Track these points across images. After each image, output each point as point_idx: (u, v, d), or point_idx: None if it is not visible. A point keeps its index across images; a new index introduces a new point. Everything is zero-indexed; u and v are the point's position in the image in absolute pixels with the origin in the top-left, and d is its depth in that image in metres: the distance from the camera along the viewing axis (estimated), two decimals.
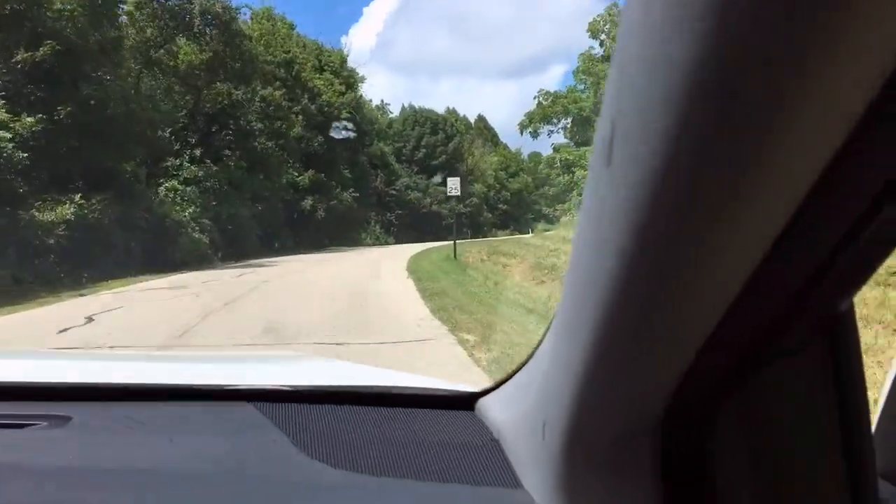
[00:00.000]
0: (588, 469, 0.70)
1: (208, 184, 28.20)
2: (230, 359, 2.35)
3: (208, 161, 28.71)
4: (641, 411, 0.61)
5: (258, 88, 30.75)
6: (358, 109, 47.07)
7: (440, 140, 64.36)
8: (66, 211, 17.70)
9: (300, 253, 30.16)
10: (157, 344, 7.00)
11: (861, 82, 0.33)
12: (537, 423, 0.77)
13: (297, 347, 6.58)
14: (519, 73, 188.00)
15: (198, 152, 28.94)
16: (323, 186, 40.94)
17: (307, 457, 0.98)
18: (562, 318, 0.65)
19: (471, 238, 73.54)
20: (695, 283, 0.47)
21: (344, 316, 9.10)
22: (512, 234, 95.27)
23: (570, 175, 38.70)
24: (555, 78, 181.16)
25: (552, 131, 44.59)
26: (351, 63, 51.45)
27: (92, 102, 19.33)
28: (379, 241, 52.12)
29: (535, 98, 43.75)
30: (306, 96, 38.12)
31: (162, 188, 27.02)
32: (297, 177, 38.57)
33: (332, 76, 43.29)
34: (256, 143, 30.82)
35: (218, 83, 28.84)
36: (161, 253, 21.77)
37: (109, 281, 16.57)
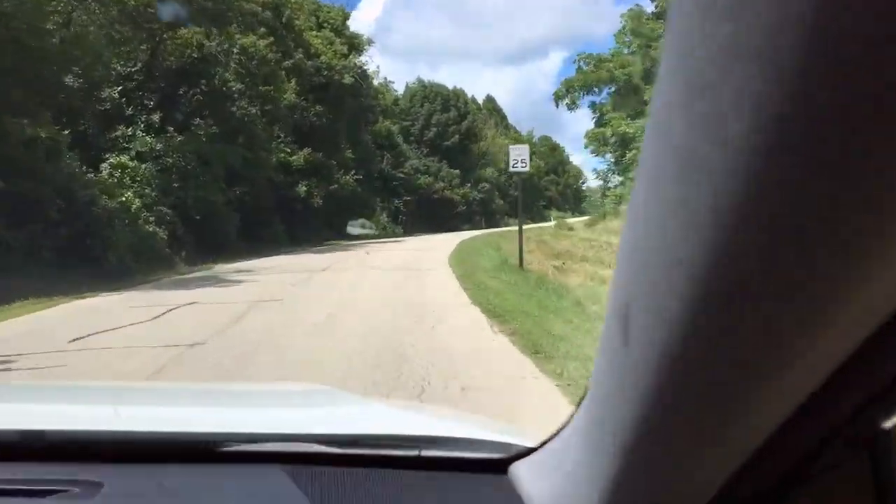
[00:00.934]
0: None
1: (170, 160, 21.27)
2: (250, 396, 1.90)
3: (171, 130, 21.76)
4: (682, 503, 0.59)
5: (237, 36, 23.67)
6: (364, 78, 39.97)
7: (452, 118, 57.28)
8: None
9: (291, 252, 23.26)
10: None
11: None
12: (573, 500, 0.73)
13: None
14: (520, 60, 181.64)
15: (156, 118, 21.98)
16: (321, 168, 34.00)
17: None
18: (605, 385, 0.60)
19: (486, 227, 66.81)
20: (772, 376, 0.44)
21: None
22: (525, 223, 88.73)
23: (627, 152, 31.81)
24: (555, 64, 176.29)
25: (594, 102, 37.60)
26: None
27: None
28: (386, 232, 45.22)
29: (574, 62, 36.68)
30: (300, 51, 31.01)
31: (106, 165, 20.12)
32: (290, 155, 31.59)
33: (332, 34, 36.16)
34: (235, 109, 23.82)
35: (182, 27, 21.80)
36: (86, 257, 14.90)
37: None
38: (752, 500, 0.58)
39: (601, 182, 50.71)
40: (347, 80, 34.59)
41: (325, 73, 33.25)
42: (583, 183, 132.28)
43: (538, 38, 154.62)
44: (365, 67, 40.79)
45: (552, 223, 69.68)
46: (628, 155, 30.75)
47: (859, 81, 0.24)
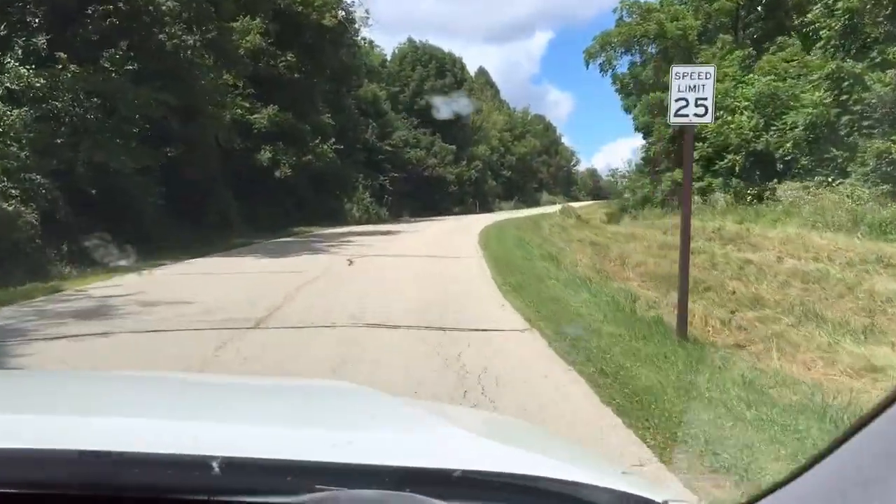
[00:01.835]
0: None
1: (58, 103, 14.15)
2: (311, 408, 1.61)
3: (61, 57, 14.58)
4: None
5: None
6: (349, 23, 32.69)
7: (448, 84, 50.13)
8: None
9: (234, 250, 16.13)
10: None
11: None
12: None
13: None
14: (504, 39, 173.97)
15: (42, 42, 14.79)
16: (292, 132, 26.90)
17: None
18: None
19: (479, 211, 59.99)
20: None
21: None
22: (518, 206, 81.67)
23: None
24: (540, 44, 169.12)
25: (634, 62, 30.76)
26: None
27: None
28: (369, 216, 38.22)
29: (614, 11, 29.67)
30: None
31: None
32: (250, 113, 24.45)
33: None
34: (164, 37, 16.64)
35: None
36: None
37: None
38: None
39: (629, 166, 44.19)
40: (328, 21, 27.34)
41: (300, 9, 25.98)
42: (574, 165, 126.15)
43: (523, 16, 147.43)
44: (351, 9, 33.35)
45: (556, 208, 63.24)
46: None
47: None
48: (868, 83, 16.76)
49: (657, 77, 30.52)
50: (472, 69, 73.56)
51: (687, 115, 5.92)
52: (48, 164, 13.39)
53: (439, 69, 50.03)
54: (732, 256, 11.95)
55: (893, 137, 15.39)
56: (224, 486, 0.94)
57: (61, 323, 7.16)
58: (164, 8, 16.26)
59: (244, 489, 0.94)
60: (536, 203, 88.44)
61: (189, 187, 18.61)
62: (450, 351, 5.72)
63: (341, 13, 32.46)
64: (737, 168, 20.20)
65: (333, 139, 33.48)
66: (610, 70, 30.16)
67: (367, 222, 35.58)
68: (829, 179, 17.15)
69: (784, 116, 19.47)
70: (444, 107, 47.80)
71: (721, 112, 21.12)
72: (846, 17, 17.83)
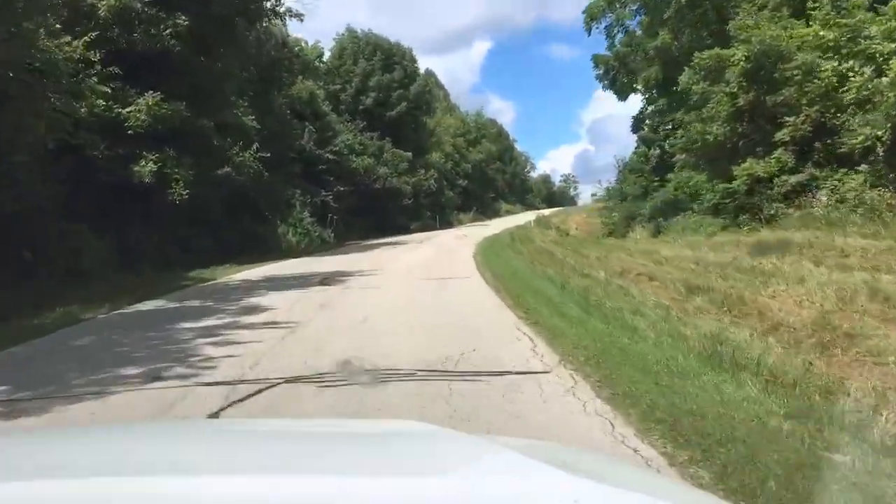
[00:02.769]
0: None
1: None
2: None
3: None
4: None
5: None
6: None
7: (397, 80, 42.60)
8: None
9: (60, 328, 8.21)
10: None
11: None
12: None
13: None
14: (443, 50, 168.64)
15: None
16: (192, 133, 19.02)
17: None
18: None
19: (440, 227, 52.45)
20: None
21: None
22: (478, 218, 74.46)
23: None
24: (479, 53, 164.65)
25: (657, 29, 23.82)
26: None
27: None
28: (310, 240, 30.40)
29: None
30: None
31: None
32: (118, 105, 16.42)
33: None
34: None
35: None
36: None
37: None
38: None
39: (619, 166, 37.52)
40: None
41: None
42: (528, 172, 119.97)
43: (460, 27, 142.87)
44: None
45: (522, 218, 56.16)
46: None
47: None
48: None
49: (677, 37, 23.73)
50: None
51: None
52: None
53: (386, 62, 42.49)
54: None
55: None
56: None
57: None
58: None
59: None
60: (496, 213, 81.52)
61: None
62: None
63: None
64: (879, 151, 13.15)
65: (257, 145, 25.75)
66: (620, 31, 23.05)
67: (308, 251, 27.79)
68: None
69: None
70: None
71: (836, 61, 14.26)
72: None
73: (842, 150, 14.54)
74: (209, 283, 14.58)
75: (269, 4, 22.99)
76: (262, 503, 1.01)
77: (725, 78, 18.43)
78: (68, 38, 13.84)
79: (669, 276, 11.61)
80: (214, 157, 22.90)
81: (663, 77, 26.57)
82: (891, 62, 13.03)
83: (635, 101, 60.64)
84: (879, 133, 13.14)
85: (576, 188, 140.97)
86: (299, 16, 24.90)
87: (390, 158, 40.81)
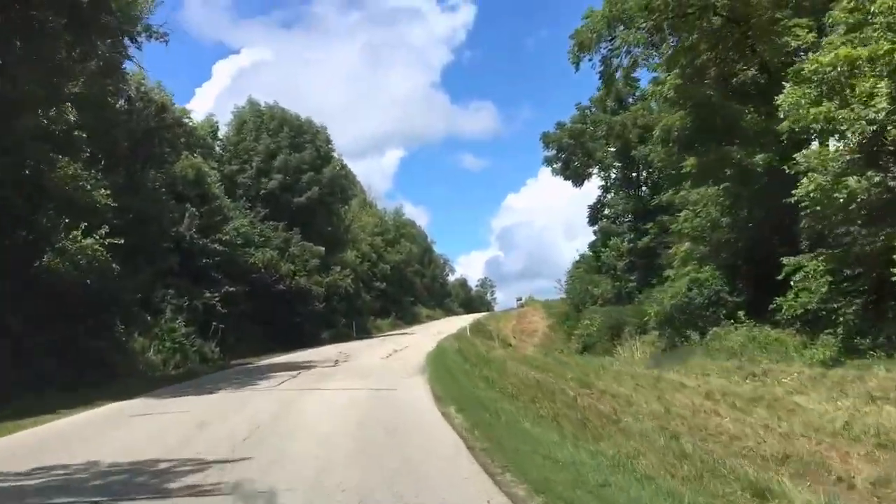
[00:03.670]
0: None
1: None
2: None
3: None
4: None
5: None
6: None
7: (308, 161, 35.80)
8: None
9: None
10: None
11: None
12: None
13: None
14: (357, 156, 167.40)
15: None
16: None
17: None
18: None
19: (357, 336, 44.58)
20: None
21: None
22: (397, 324, 66.87)
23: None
24: (391, 162, 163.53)
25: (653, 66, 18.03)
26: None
27: None
28: (186, 357, 22.23)
29: None
30: None
31: None
32: None
33: None
34: None
35: None
36: None
37: None
38: None
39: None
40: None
41: None
42: (446, 275, 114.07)
43: (376, 135, 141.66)
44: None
45: (451, 324, 48.97)
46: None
47: None
48: None
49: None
50: None
51: None
52: None
53: (295, 140, 35.76)
54: None
55: None
56: None
57: None
58: None
59: None
60: (416, 319, 74.09)
61: None
62: None
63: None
64: None
65: (107, 228, 18.15)
66: (622, 59, 17.13)
67: (176, 375, 19.69)
68: None
69: None
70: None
71: None
72: None
73: None
74: None
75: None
76: None
77: None
78: None
79: None
80: (29, 236, 15.22)
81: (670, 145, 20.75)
82: None
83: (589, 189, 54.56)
84: None
85: (493, 293, 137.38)
86: (163, 36, 17.87)
87: (298, 253, 33.38)
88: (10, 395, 13.30)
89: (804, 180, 12.94)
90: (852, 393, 10.56)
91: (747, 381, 12.50)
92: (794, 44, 16.33)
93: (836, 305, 13.04)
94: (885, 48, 12.19)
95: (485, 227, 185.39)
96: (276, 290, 31.80)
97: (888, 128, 11.87)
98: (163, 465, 6.65)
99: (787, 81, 14.42)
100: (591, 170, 31.17)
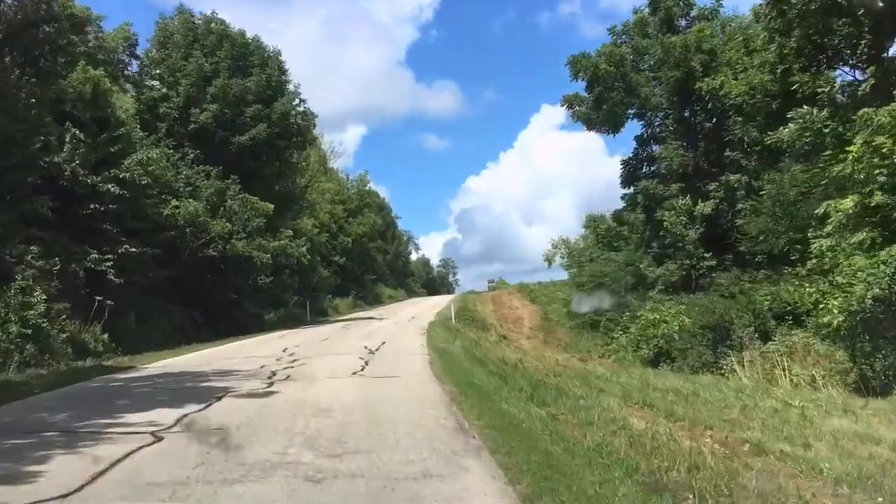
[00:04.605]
0: None
1: None
2: None
3: None
4: None
5: None
6: None
7: (255, 90, 27.36)
8: None
9: None
10: None
11: None
12: None
13: None
14: (319, 130, 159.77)
15: None
16: None
17: None
18: None
19: (311, 321, 36.27)
20: None
21: None
22: (358, 305, 58.64)
23: None
24: (353, 139, 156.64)
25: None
26: None
27: None
28: (51, 351, 14.04)
29: None
30: None
31: None
32: None
33: None
34: None
35: None
36: None
37: None
38: None
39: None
40: None
41: None
42: (409, 253, 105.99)
43: (337, 111, 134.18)
44: None
45: (426, 308, 40.87)
46: None
47: None
48: None
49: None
50: None
51: None
52: None
53: (238, 63, 27.30)
54: None
55: None
56: None
57: None
58: None
59: None
60: (378, 300, 65.97)
61: None
62: None
63: None
64: None
65: None
66: None
67: (28, 388, 11.58)
68: None
69: None
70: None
71: None
72: None
73: None
74: None
75: None
76: None
77: None
78: None
79: None
80: None
81: None
82: None
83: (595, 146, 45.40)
84: None
85: (455, 274, 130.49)
86: None
87: (237, 209, 25.11)
88: None
89: None
90: None
91: None
92: None
93: None
94: None
95: (444, 209, 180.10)
96: (204, 257, 23.57)
97: None
98: None
99: None
100: (630, 111, 23.70)
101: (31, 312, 15.00)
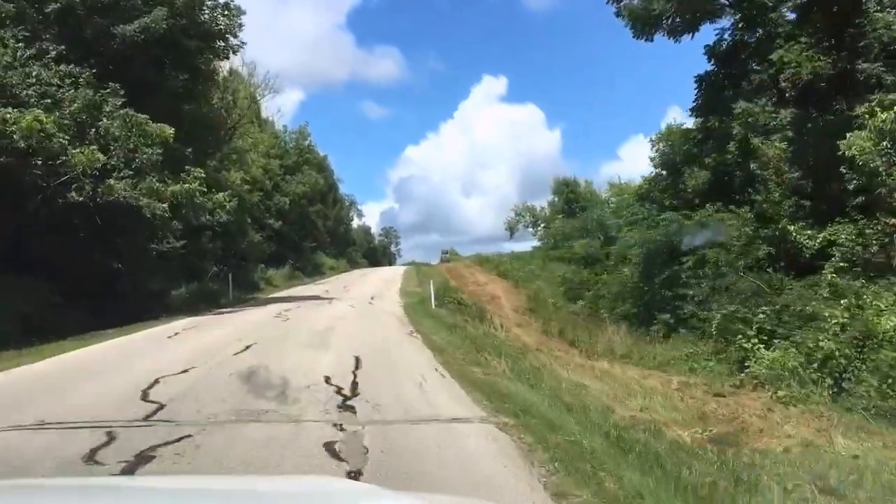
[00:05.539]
0: None
1: None
2: None
3: None
4: None
5: None
6: None
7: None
8: None
9: None
10: None
11: None
12: None
13: None
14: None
15: None
16: None
17: None
18: None
19: (232, 300, 26.79)
20: None
21: None
22: (295, 277, 49.82)
23: None
24: (290, 104, 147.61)
25: None
26: None
27: None
28: None
29: None
30: None
31: None
32: None
33: None
34: None
35: None
36: None
37: None
38: None
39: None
40: None
41: None
42: (352, 219, 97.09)
43: (273, 74, 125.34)
44: None
45: (380, 283, 32.29)
46: None
47: None
48: None
49: None
50: None
51: None
52: None
53: None
54: None
55: None
56: None
57: None
58: None
59: None
60: (318, 271, 57.54)
61: None
62: None
63: None
64: None
65: None
66: None
67: None
68: None
69: None
70: None
71: None
72: None
73: None
74: None
75: None
76: None
77: None
78: None
79: None
80: None
81: None
82: None
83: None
84: None
85: (397, 244, 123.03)
86: None
87: (118, 132, 16.55)
88: None
89: None
90: None
91: None
92: None
93: None
94: None
95: (382, 178, 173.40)
96: (66, 204, 15.14)
97: None
98: None
99: None
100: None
101: None
